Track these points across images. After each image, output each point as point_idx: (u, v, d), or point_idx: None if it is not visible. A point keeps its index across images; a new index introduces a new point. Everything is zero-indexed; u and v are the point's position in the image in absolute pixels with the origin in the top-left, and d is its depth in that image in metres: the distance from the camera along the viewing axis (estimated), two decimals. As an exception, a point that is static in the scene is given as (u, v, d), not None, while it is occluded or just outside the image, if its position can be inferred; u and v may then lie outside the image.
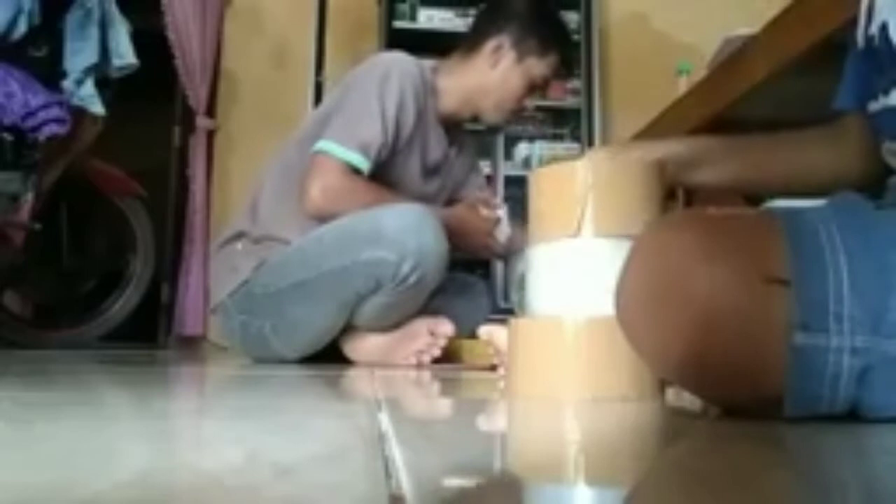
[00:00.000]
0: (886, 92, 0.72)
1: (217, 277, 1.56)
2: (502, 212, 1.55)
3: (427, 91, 1.52)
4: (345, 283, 1.35)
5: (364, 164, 1.40)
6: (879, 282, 0.49)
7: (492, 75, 1.53)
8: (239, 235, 1.54)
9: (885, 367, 0.48)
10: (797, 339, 0.48)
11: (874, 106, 0.74)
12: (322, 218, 1.39)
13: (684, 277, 0.51)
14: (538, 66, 1.53)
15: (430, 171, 1.58)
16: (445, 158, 1.61)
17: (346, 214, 1.36)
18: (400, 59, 1.50)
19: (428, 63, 1.58)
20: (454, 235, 1.44)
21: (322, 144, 1.41)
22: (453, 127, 1.62)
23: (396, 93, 1.43)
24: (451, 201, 1.66)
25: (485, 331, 1.10)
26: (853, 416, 0.52)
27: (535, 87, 1.56)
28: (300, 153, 1.49)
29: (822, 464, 0.41)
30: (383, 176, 1.46)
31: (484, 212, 1.53)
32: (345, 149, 1.39)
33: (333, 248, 1.35)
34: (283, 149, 1.58)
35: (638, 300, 0.56)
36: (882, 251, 0.50)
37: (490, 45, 1.53)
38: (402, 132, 1.46)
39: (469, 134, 1.75)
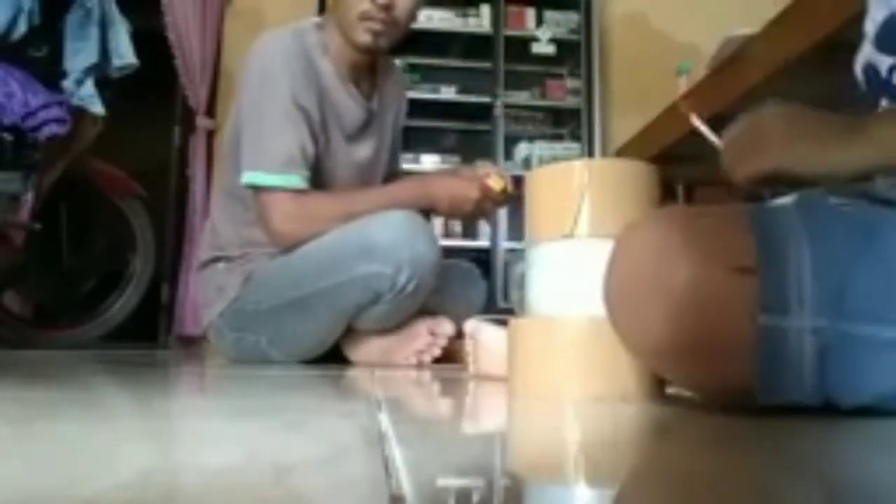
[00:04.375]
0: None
1: (205, 298, 1.51)
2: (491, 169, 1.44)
3: (317, 55, 1.42)
4: (343, 297, 1.33)
5: (300, 181, 1.35)
6: (839, 268, 0.52)
7: None
8: (216, 259, 1.51)
9: (844, 346, 0.52)
10: (760, 320, 0.52)
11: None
12: (299, 244, 1.36)
13: (662, 270, 0.55)
14: None
15: (354, 137, 1.49)
16: (370, 115, 1.51)
17: (319, 233, 1.33)
18: (272, 43, 1.39)
19: (311, 22, 1.47)
20: (445, 207, 1.40)
21: (250, 178, 1.35)
22: (365, 77, 1.51)
23: (284, 84, 1.35)
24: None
25: (471, 325, 1.08)
26: (828, 409, 0.55)
27: None
28: (229, 169, 1.47)
29: (820, 462, 0.41)
30: (316, 169, 1.40)
31: (481, 171, 1.43)
32: (275, 175, 1.33)
33: (327, 266, 1.32)
34: (219, 162, 1.55)
35: (621, 291, 0.60)
36: (842, 240, 0.54)
37: None
38: (310, 116, 1.38)
39: (390, 71, 1.60)
